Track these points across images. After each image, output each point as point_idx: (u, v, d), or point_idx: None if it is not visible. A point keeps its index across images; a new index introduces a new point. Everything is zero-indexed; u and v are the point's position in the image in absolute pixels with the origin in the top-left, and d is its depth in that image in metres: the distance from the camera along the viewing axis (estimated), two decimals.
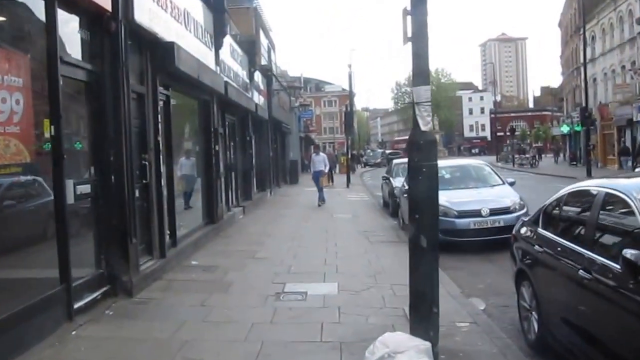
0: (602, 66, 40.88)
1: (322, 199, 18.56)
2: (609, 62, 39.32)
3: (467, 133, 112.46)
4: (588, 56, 43.83)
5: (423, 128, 4.78)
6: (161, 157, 8.36)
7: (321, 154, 19.87)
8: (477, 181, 12.03)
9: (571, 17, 49.14)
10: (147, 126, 7.97)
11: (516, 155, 51.54)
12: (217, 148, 11.76)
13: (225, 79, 12.68)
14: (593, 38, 42.26)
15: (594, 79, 42.07)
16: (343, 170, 32.92)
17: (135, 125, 7.69)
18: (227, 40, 13.20)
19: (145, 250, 8.00)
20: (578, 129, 47.85)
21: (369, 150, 74.32)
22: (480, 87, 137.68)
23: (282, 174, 30.58)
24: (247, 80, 17.03)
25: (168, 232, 8.92)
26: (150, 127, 8.10)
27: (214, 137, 11.69)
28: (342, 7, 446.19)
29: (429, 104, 4.87)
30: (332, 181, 31.84)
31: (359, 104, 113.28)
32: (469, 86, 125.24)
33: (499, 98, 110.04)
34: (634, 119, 33.77)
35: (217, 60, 11.96)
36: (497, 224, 10.42)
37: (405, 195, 12.68)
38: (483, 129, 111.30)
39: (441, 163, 13.78)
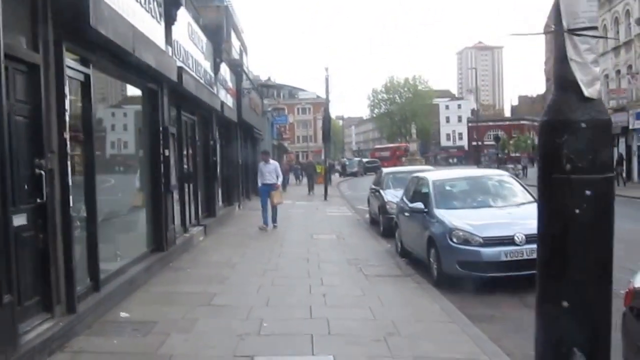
0: None
1: (274, 221, 14.34)
2: (602, 67, 37.53)
3: (444, 142, 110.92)
4: None
5: (588, 92, 2.18)
6: (69, 163, 5.59)
7: (272, 161, 14.99)
8: (500, 197, 9.49)
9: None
10: (45, 116, 5.23)
11: (510, 165, 49.44)
12: (166, 153, 9.00)
13: (181, 64, 9.96)
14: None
15: None
16: (320, 180, 30.31)
17: (22, 113, 4.95)
18: (184, 16, 10.53)
19: (40, 306, 5.24)
20: None
21: (345, 159, 71.75)
22: (456, 96, 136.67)
23: (254, 185, 27.72)
24: (212, 73, 14.31)
25: (87, 272, 6.18)
26: (52, 117, 5.36)
27: (163, 139, 8.91)
28: (317, 13, 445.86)
29: (594, 29, 2.27)
30: (313, 190, 29.76)
31: (333, 112, 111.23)
32: (446, 94, 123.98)
33: (476, 106, 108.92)
34: (630, 127, 31.96)
35: (169, 39, 9.25)
36: (535, 255, 7.86)
37: (407, 214, 10.17)
38: (460, 138, 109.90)
39: (452, 174, 11.28)
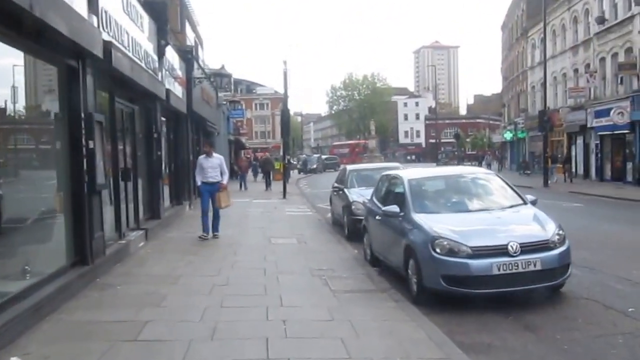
0: (551, 70, 38.67)
1: (215, 229, 11.85)
2: (560, 66, 37.27)
3: (402, 139, 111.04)
4: (536, 59, 42.09)
5: None
6: None
7: (216, 155, 12.02)
8: (486, 199, 8.23)
9: (517, 19, 47.22)
10: None
11: (468, 163, 49.06)
12: (91, 145, 7.37)
13: (110, 38, 8.34)
14: (542, 40, 40.25)
15: (542, 83, 40.00)
16: (278, 177, 28.84)
17: None
18: None
19: None
20: (522, 135, 45.98)
21: (304, 156, 70.33)
22: (414, 94, 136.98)
23: None
24: (155, 57, 12.66)
25: None
26: None
27: (86, 129, 7.28)
28: (278, 10, 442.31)
29: None
30: (270, 187, 28.81)
31: (292, 108, 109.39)
32: (404, 91, 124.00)
33: (434, 104, 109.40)
34: (588, 125, 31.67)
35: (93, 6, 7.62)
36: (531, 267, 6.67)
37: (378, 217, 8.84)
38: (418, 136, 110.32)
39: (429, 172, 9.94)
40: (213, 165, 11.57)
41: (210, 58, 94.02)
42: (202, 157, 11.98)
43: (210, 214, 11.77)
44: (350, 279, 8.15)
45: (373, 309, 6.54)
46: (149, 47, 12.00)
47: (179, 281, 7.94)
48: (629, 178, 27.28)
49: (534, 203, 8.09)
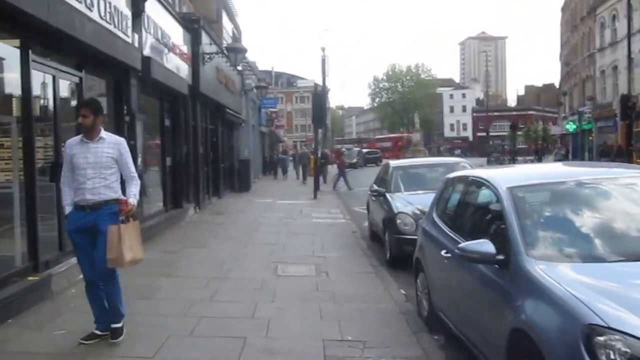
0: (623, 52, 33.51)
1: (115, 317, 4.95)
2: (638, 46, 32.19)
3: (447, 132, 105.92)
4: (606, 40, 37.00)
5: None
6: None
7: (108, 136, 4.88)
8: None
9: None
10: None
11: (530, 157, 43.71)
12: None
13: None
14: (615, 17, 35.26)
15: (615, 67, 35.09)
16: (312, 172, 25.23)
17: None
18: None
19: None
20: (587, 126, 40.90)
21: (343, 149, 66.33)
22: (460, 85, 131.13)
23: (229, 179, 22.72)
24: (126, 12, 9.12)
25: None
26: None
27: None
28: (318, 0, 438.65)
29: None
30: (306, 181, 26.95)
31: (333, 101, 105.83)
32: (449, 83, 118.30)
33: (481, 96, 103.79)
34: None
35: None
36: None
37: (447, 254, 4.96)
38: (465, 129, 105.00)
39: (542, 173, 6.05)
40: (97, 162, 4.75)
41: (249, 50, 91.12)
42: (73, 140, 4.94)
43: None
44: None
45: None
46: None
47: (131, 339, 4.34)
48: None
49: None
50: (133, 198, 4.79)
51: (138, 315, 5.65)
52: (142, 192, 8.68)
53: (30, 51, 6.21)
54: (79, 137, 4.88)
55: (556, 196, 4.33)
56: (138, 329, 5.23)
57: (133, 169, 4.94)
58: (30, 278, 6.03)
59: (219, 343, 5.00)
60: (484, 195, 4.82)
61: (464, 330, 4.58)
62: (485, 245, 3.87)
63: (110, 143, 4.83)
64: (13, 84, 6.23)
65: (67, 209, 4.87)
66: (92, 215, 4.72)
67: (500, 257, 3.77)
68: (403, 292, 6.92)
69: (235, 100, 22.75)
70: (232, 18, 28.80)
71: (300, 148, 47.68)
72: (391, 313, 6.00)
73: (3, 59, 6.20)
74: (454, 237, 4.86)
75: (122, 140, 4.95)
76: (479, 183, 4.99)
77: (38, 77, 6.55)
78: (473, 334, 4.34)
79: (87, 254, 4.80)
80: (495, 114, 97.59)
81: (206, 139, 17.71)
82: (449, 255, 4.79)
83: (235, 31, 30.26)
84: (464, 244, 4.09)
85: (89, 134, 4.79)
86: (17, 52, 6.13)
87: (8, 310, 5.39)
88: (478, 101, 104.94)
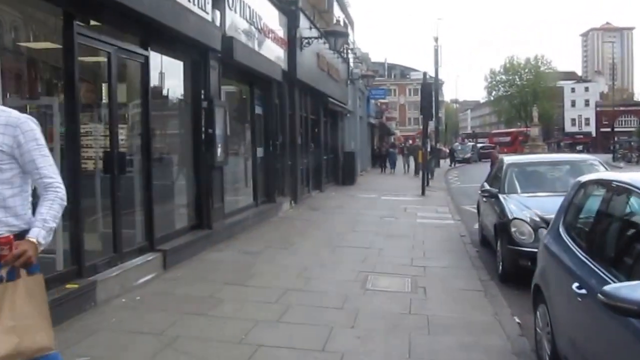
0: None
1: None
2: None
3: (568, 127, 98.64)
4: None
5: None
6: None
7: (16, 113, 2.70)
8: None
9: None
10: None
11: None
12: None
13: None
14: None
15: None
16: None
17: None
18: None
19: None
20: None
21: (457, 144, 63.18)
22: (582, 78, 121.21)
23: (333, 172, 21.70)
24: None
25: None
26: None
27: None
28: None
29: None
30: (418, 175, 24.38)
31: (447, 95, 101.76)
32: (571, 76, 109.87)
33: (606, 89, 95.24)
34: None
35: None
36: None
37: (581, 290, 3.09)
38: (587, 124, 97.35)
39: None
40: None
41: (362, 41, 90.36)
42: None
43: None
44: None
45: None
46: None
47: None
48: None
49: None
50: (40, 231, 2.50)
51: (182, 339, 4.58)
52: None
53: (75, 22, 5.34)
54: None
55: None
56: None
57: (50, 169, 2.65)
58: (69, 286, 5.16)
59: None
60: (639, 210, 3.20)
61: None
62: None
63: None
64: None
65: None
66: None
67: None
68: (517, 320, 5.37)
69: (340, 89, 21.59)
70: (343, 8, 27.78)
71: (406, 142, 46.07)
72: (502, 353, 4.50)
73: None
74: (592, 265, 3.38)
75: (23, 119, 2.64)
76: (632, 192, 3.33)
77: (85, 53, 5.69)
78: None
79: None
80: (621, 108, 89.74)
81: (306, 129, 16.72)
82: (583, 292, 3.24)
83: (346, 21, 29.22)
84: (611, 288, 2.53)
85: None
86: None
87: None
88: (602, 95, 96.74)
